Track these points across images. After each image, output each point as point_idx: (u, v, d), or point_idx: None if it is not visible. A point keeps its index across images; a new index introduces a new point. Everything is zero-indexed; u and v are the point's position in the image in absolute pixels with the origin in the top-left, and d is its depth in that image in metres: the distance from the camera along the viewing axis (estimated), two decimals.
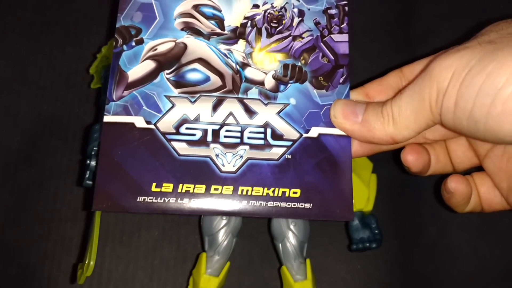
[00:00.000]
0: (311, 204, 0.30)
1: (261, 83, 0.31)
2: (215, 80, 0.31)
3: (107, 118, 0.30)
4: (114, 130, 0.30)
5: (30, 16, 0.47)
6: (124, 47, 0.31)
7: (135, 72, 0.31)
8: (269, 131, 0.31)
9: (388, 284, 0.42)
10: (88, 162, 0.33)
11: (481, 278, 0.43)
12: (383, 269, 0.42)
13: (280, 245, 0.38)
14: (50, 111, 0.44)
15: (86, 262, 0.29)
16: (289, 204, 0.30)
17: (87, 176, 0.32)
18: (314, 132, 0.31)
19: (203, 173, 0.30)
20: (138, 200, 0.29)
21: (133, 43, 0.31)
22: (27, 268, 0.40)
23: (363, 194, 0.39)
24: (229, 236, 0.37)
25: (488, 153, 0.30)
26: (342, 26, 0.33)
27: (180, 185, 0.29)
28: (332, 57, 0.32)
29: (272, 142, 0.30)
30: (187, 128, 0.30)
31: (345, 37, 0.33)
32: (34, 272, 0.40)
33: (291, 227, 0.37)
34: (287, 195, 0.30)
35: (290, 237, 0.37)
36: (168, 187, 0.29)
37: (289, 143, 0.30)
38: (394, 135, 0.28)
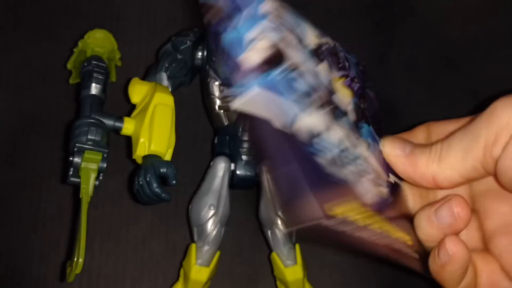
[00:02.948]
0: None
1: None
2: (320, 94, 0.24)
3: None
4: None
5: (3, 12, 0.45)
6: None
7: None
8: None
9: (377, 264, 0.43)
10: (71, 159, 0.32)
11: None
12: None
13: (269, 232, 0.38)
14: (29, 108, 0.43)
15: (75, 259, 0.29)
16: None
17: (71, 173, 0.32)
18: None
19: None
20: None
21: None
22: (16, 269, 0.40)
23: None
24: (217, 225, 0.37)
25: (497, 233, 0.27)
26: (369, 84, 0.29)
27: None
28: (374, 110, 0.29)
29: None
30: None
31: (373, 96, 0.29)
32: (23, 273, 0.40)
33: (279, 213, 0.37)
34: None
35: (279, 223, 0.37)
36: None
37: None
38: (436, 174, 0.25)
